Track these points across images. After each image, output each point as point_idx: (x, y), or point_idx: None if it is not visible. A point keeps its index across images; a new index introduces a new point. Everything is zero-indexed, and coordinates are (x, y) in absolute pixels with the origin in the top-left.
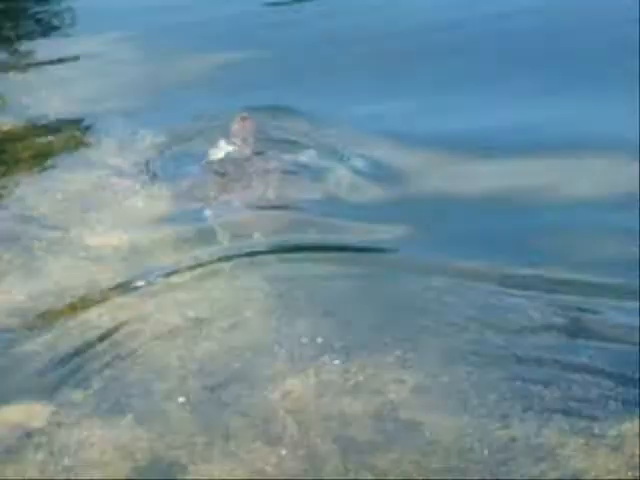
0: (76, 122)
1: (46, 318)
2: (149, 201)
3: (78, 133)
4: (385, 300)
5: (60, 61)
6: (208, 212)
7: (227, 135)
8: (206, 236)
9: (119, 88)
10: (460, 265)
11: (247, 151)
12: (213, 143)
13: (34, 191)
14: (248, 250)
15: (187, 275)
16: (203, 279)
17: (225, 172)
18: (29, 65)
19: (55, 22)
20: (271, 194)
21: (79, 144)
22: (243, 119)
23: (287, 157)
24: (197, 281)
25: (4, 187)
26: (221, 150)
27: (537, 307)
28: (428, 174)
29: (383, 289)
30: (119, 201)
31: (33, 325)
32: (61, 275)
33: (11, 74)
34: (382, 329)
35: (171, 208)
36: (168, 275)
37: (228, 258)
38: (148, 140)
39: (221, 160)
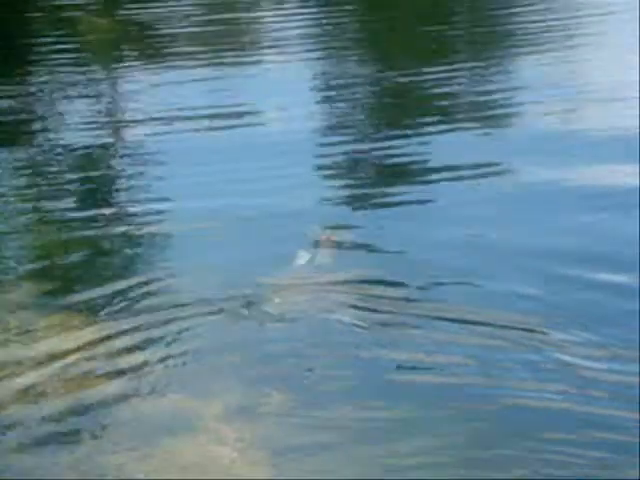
0: (177, 383)
1: None
2: (249, 468)
3: (180, 396)
4: None
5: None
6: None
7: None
8: None
9: None
10: None
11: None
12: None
13: (134, 458)
14: None
15: None
16: None
17: None
18: None
19: None
20: None
21: (182, 407)
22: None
23: None
24: None
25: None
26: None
27: None
28: None
29: None
30: (220, 469)
31: None
32: None
33: None
34: None
35: (272, 472)
36: None
37: None
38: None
39: None
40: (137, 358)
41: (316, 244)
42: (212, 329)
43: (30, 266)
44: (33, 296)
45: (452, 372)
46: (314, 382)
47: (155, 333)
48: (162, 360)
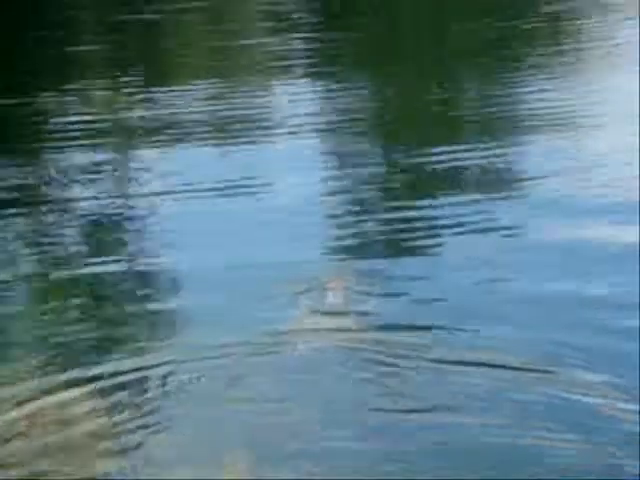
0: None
1: None
2: None
3: (188, 471)
4: None
5: None
6: None
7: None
8: None
9: None
10: None
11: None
12: None
13: None
14: None
15: None
16: None
17: None
18: None
19: None
20: None
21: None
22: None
23: None
24: None
25: None
26: None
27: None
28: None
29: None
30: None
31: None
32: None
33: None
34: None
35: None
36: None
37: None
38: None
39: None
40: (140, 435)
41: (326, 286)
42: (216, 393)
43: (34, 337)
44: (35, 369)
45: (470, 414)
46: (330, 457)
47: (161, 403)
48: (167, 432)
